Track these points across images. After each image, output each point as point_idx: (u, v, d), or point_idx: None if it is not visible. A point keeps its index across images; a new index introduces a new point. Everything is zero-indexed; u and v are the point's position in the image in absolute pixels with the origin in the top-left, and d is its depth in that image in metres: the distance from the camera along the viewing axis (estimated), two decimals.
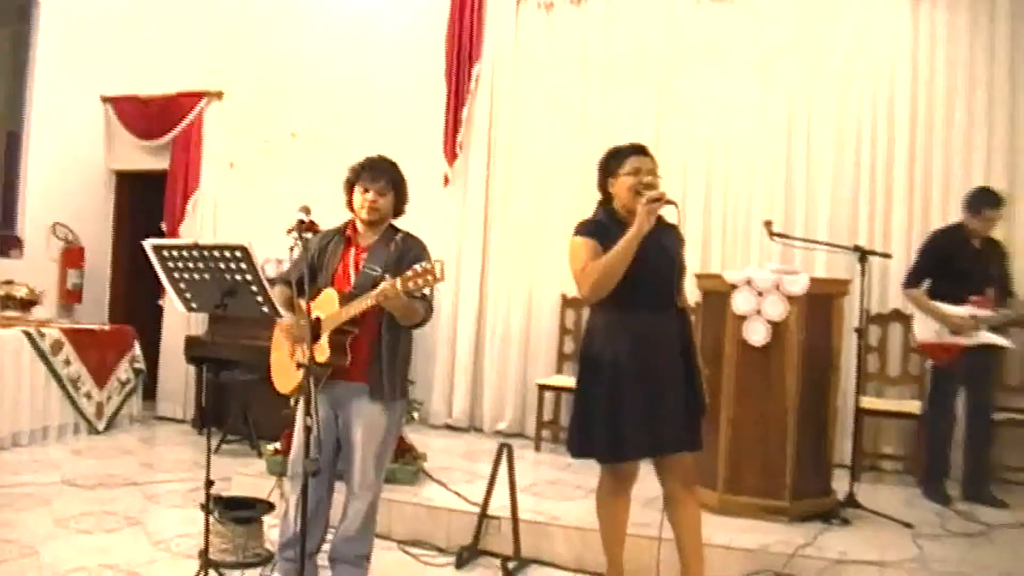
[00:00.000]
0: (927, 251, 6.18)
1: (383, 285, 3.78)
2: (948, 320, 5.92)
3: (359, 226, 4.26)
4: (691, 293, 4.84)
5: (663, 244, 4.02)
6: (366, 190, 4.18)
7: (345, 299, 3.99)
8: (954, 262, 6.03)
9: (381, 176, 4.21)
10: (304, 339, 3.90)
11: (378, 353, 4.10)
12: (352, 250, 4.23)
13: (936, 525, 5.41)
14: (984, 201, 6.03)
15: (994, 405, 6.16)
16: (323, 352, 3.97)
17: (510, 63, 8.02)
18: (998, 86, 6.82)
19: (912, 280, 6.17)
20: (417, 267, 3.74)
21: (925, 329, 6.07)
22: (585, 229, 4.05)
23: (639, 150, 4.08)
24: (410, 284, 3.73)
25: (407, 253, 4.14)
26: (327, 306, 4.03)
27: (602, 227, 4.01)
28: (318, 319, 4.00)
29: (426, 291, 3.87)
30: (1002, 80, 6.81)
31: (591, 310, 4.17)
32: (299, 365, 3.95)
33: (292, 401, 4.34)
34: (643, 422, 3.90)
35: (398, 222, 4.34)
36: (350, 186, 4.26)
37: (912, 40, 7.01)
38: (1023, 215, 6.75)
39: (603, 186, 4.13)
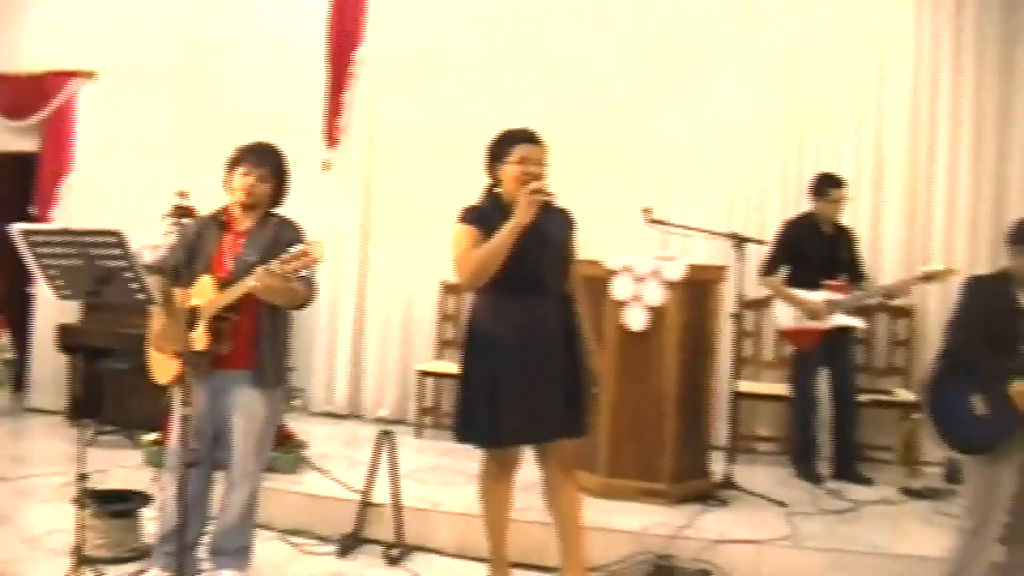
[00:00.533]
0: (780, 240, 6.38)
1: (259, 269, 3.73)
2: (804, 306, 6.13)
3: (236, 211, 4.18)
4: None
5: (549, 229, 4.04)
6: (247, 173, 4.12)
7: (222, 286, 3.93)
8: (807, 249, 6.26)
9: (265, 162, 4.15)
10: (167, 347, 3.87)
11: (259, 339, 4.06)
12: (229, 236, 4.15)
13: (808, 503, 5.60)
14: (828, 183, 6.30)
15: (857, 387, 6.39)
16: (200, 340, 3.90)
17: (393, 47, 7.94)
18: (867, 72, 7.08)
19: (768, 269, 6.38)
20: (294, 248, 3.69)
21: (784, 316, 6.28)
22: (468, 216, 4.04)
23: (528, 137, 4.06)
24: (288, 267, 3.68)
25: (283, 238, 4.06)
26: (204, 293, 3.95)
27: (485, 214, 4.01)
28: (194, 307, 3.93)
29: (304, 272, 3.82)
30: (872, 67, 7.08)
31: (474, 295, 4.17)
32: (176, 354, 3.89)
33: (170, 390, 4.27)
34: (522, 408, 3.92)
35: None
36: (232, 167, 4.18)
37: (784, 24, 7.21)
38: (890, 203, 7.03)
39: (491, 171, 4.12)
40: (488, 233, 3.91)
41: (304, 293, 4.02)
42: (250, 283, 3.74)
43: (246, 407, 4.06)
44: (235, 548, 4.19)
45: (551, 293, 4.06)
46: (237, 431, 4.07)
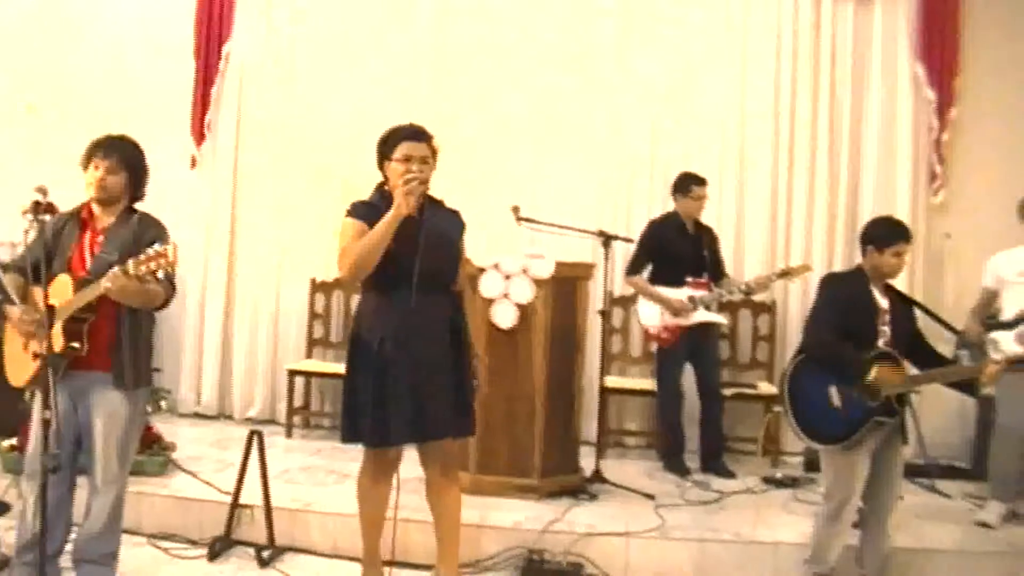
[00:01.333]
0: (645, 240, 6.53)
1: (113, 271, 3.63)
2: (668, 303, 6.28)
3: (95, 208, 4.06)
4: None
5: (438, 227, 4.06)
6: (96, 167, 4.00)
7: (79, 285, 3.81)
8: (671, 248, 6.42)
9: (113, 153, 4.02)
10: (35, 332, 3.75)
11: (119, 339, 3.94)
12: (88, 234, 4.03)
13: (676, 495, 5.75)
14: (691, 180, 6.49)
15: (721, 381, 6.59)
16: (57, 341, 3.79)
17: (261, 42, 7.83)
18: (732, 71, 7.32)
19: (633, 268, 6.52)
20: (149, 250, 3.61)
21: (648, 313, 6.42)
22: (355, 211, 4.04)
23: (413, 134, 4.05)
24: (142, 268, 3.59)
25: (144, 235, 3.97)
26: (61, 293, 3.81)
27: (373, 209, 3.99)
28: (51, 307, 3.80)
29: (160, 274, 3.74)
30: (736, 66, 7.31)
31: (362, 293, 4.18)
32: (35, 355, 3.78)
33: (28, 394, 4.15)
34: (407, 407, 3.93)
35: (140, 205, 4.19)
36: (85, 164, 4.06)
37: (647, 22, 7.37)
38: (753, 202, 7.26)
39: (381, 167, 4.12)
40: (374, 226, 3.89)
41: (163, 294, 3.93)
42: (104, 284, 3.65)
43: (107, 409, 3.94)
44: (100, 555, 4.07)
45: (441, 291, 4.08)
46: (98, 435, 3.95)
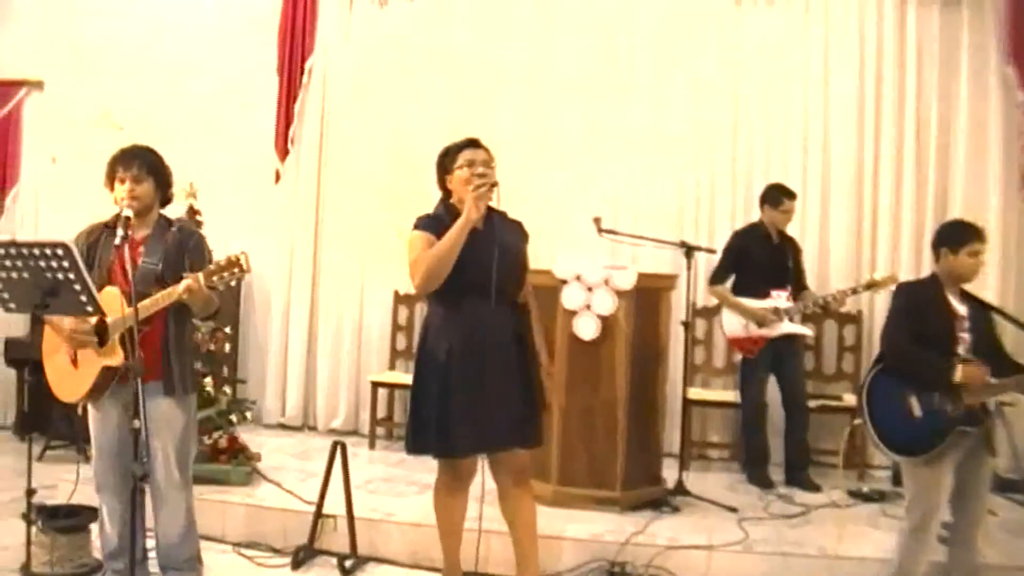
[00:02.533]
0: (729, 250, 6.45)
1: (187, 282, 3.67)
2: (751, 314, 6.20)
3: (130, 219, 4.00)
4: None
5: (503, 238, 4.06)
6: (122, 179, 4.01)
7: (140, 297, 3.76)
8: (754, 258, 6.34)
9: (134, 162, 4.01)
10: (88, 344, 3.81)
11: (166, 348, 3.98)
12: (125, 244, 3.95)
13: (759, 509, 5.66)
14: (783, 193, 6.40)
15: (806, 393, 6.46)
16: (117, 354, 3.83)
17: (343, 57, 7.93)
18: (813, 85, 7.19)
19: (716, 278, 6.45)
20: (222, 260, 3.65)
21: (732, 323, 6.34)
22: (422, 223, 4.06)
23: (471, 143, 4.11)
24: (215, 278, 3.64)
25: (185, 243, 4.04)
26: (111, 305, 3.81)
27: (439, 220, 4.02)
28: (103, 320, 3.86)
29: (232, 282, 3.77)
30: (817, 80, 7.18)
31: (428, 304, 4.20)
32: (108, 368, 3.82)
33: (80, 408, 4.18)
34: (472, 417, 3.92)
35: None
36: (111, 182, 4.07)
37: (731, 37, 7.30)
38: (837, 214, 7.14)
39: (442, 184, 4.15)
40: (441, 238, 3.91)
41: (217, 303, 3.96)
42: (180, 289, 3.69)
43: (161, 418, 3.97)
44: (184, 560, 4.13)
45: (505, 302, 4.07)
46: (156, 444, 3.95)
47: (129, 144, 4.14)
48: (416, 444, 4.11)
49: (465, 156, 4.05)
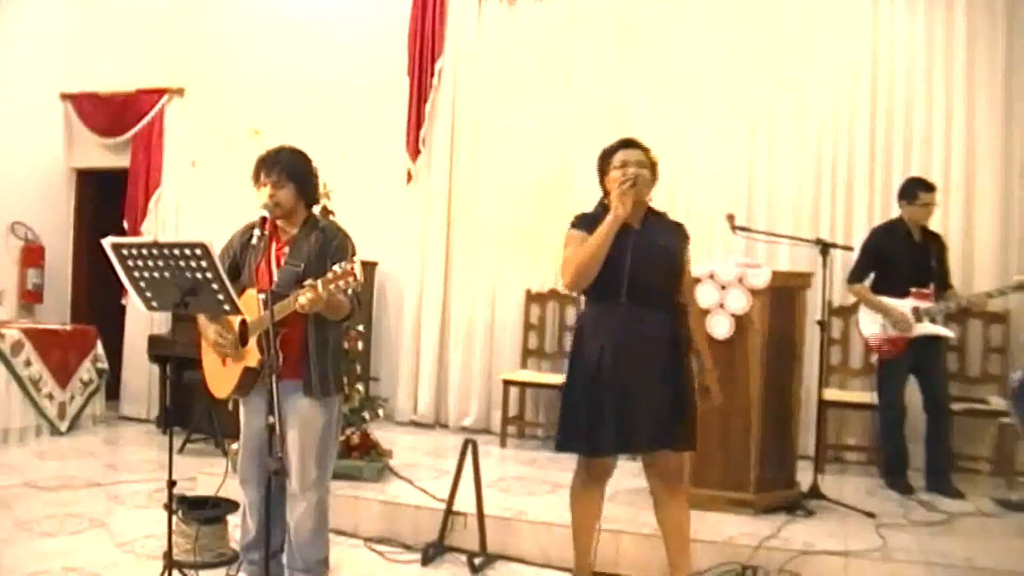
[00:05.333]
0: (868, 247, 6.26)
1: (304, 290, 3.70)
2: (890, 313, 6.01)
3: (278, 220, 4.12)
4: None
5: (659, 239, 4.03)
6: (264, 184, 4.08)
7: (275, 299, 3.80)
8: (895, 256, 6.13)
9: (274, 168, 4.07)
10: (230, 353, 3.94)
11: (307, 349, 4.03)
12: (272, 246, 4.09)
13: (898, 515, 5.47)
14: (918, 186, 6.15)
15: (949, 395, 6.23)
16: (253, 356, 3.91)
17: (473, 57, 8.01)
18: (956, 79, 6.91)
19: (855, 276, 6.26)
20: (336, 269, 3.66)
21: (869, 323, 6.15)
22: (577, 221, 4.07)
23: (626, 144, 4.09)
24: (331, 287, 3.68)
25: (329, 244, 4.07)
26: (250, 308, 3.91)
27: (593, 219, 4.00)
28: (243, 322, 3.93)
29: (349, 291, 3.79)
30: (960, 73, 6.90)
31: (583, 303, 4.20)
32: (248, 368, 3.90)
33: (231, 404, 4.28)
34: (618, 417, 3.89)
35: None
36: (257, 182, 4.14)
37: (871, 34, 7.08)
38: (982, 210, 6.87)
39: (601, 183, 4.14)
40: None
41: (348, 307, 3.99)
42: (301, 300, 3.72)
43: (300, 418, 4.03)
44: (311, 562, 4.16)
45: (661, 302, 4.02)
46: (292, 443, 4.02)
47: (276, 147, 4.21)
48: (564, 442, 4.10)
49: (619, 156, 4.03)
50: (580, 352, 4.07)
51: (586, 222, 4.02)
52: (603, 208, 4.06)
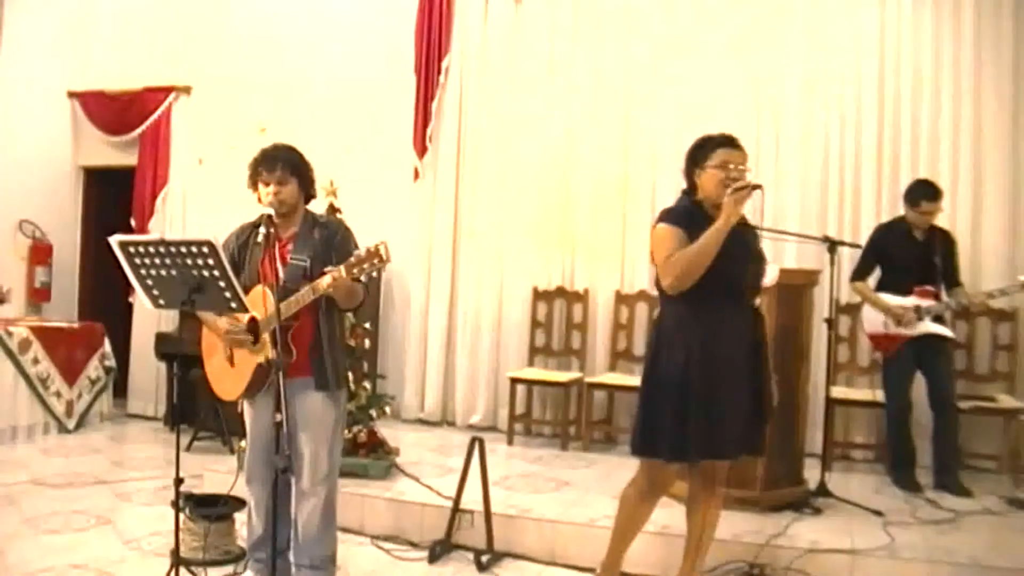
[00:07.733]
0: (870, 246, 6.26)
1: (330, 275, 3.70)
2: (890, 311, 6.01)
3: (275, 218, 4.08)
4: None
5: (748, 240, 4.01)
6: (266, 182, 4.07)
7: (285, 293, 3.85)
8: (896, 255, 6.14)
9: (276, 164, 4.07)
10: (244, 342, 3.91)
11: (318, 343, 4.04)
12: (275, 243, 4.07)
13: (905, 513, 5.45)
14: (921, 194, 6.10)
15: (954, 392, 6.21)
16: (268, 351, 3.89)
17: (479, 55, 8.00)
18: (964, 78, 6.88)
19: (857, 274, 6.28)
20: (361, 251, 3.68)
21: (872, 320, 6.16)
22: (671, 217, 3.96)
23: (728, 142, 4.00)
24: (355, 270, 3.68)
25: (333, 237, 4.08)
26: (256, 305, 3.88)
27: (689, 216, 3.92)
28: (255, 319, 3.92)
29: (373, 273, 3.80)
30: (968, 70, 6.88)
31: (663, 303, 4.08)
32: (261, 365, 3.90)
33: (240, 404, 4.28)
34: (707, 423, 3.83)
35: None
36: (254, 185, 4.13)
37: (879, 31, 7.06)
38: (992, 208, 6.85)
39: (689, 175, 4.05)
40: (692, 235, 3.82)
41: (362, 295, 4.01)
42: (324, 284, 3.74)
43: (312, 413, 4.04)
44: (318, 558, 4.15)
45: (748, 306, 4.00)
46: (304, 438, 4.03)
47: (270, 145, 4.20)
48: (645, 446, 3.99)
49: (720, 155, 3.94)
50: (665, 354, 3.95)
51: (680, 217, 3.93)
52: (691, 203, 3.99)
